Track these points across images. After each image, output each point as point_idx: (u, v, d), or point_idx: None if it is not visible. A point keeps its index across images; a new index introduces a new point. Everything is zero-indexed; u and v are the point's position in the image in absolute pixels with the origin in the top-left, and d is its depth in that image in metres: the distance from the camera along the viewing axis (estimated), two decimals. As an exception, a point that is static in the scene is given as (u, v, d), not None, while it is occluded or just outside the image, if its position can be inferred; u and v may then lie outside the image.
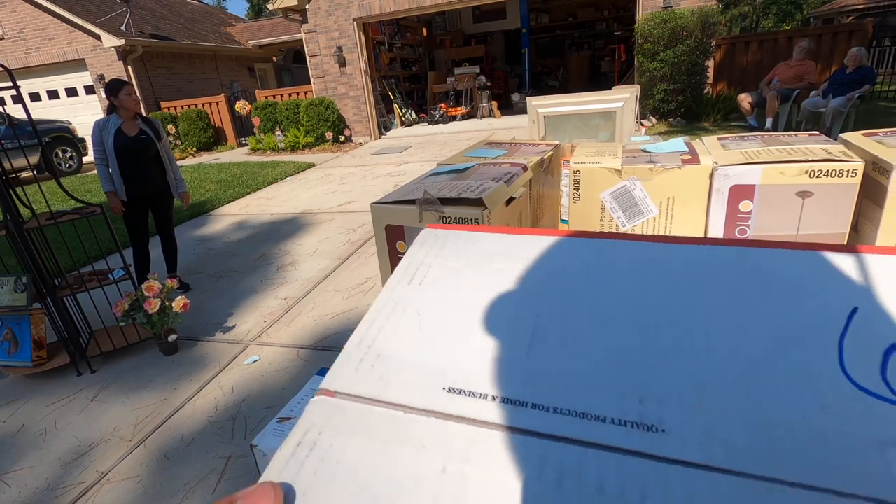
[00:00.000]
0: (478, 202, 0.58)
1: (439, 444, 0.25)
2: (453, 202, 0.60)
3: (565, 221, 1.25)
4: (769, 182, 0.61)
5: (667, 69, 6.42)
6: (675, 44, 6.33)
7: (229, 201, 5.64)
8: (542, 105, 2.01)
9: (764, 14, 24.00)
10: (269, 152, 8.91)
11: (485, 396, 0.27)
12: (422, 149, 7.60)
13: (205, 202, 5.56)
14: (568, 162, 1.23)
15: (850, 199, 0.59)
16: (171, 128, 9.49)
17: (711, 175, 0.65)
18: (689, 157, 0.68)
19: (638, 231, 0.73)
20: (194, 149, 9.80)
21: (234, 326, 2.72)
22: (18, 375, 2.41)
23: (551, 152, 0.85)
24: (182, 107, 10.06)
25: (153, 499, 1.64)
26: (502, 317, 0.32)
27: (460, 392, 0.27)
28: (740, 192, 0.64)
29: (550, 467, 0.23)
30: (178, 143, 9.62)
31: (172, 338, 2.44)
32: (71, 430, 2.02)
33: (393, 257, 0.66)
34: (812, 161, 0.60)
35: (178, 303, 2.37)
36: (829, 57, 7.02)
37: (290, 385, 2.14)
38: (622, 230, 0.73)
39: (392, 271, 0.73)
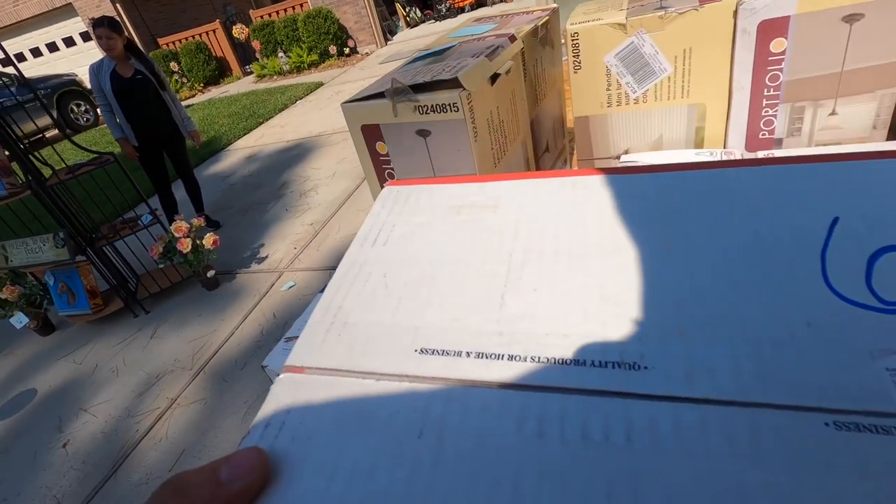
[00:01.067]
0: (454, 83, 0.50)
1: (414, 409, 0.24)
2: (427, 87, 0.52)
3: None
4: (807, 9, 0.50)
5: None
6: None
7: (244, 134, 5.57)
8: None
9: None
10: (275, 77, 8.59)
11: (458, 354, 0.26)
12: (431, 50, 7.11)
13: (220, 138, 5.51)
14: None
15: (906, 15, 0.48)
16: (173, 65, 9.21)
17: (735, 12, 0.54)
18: (707, -6, 0.57)
19: (651, 95, 0.64)
20: (202, 84, 9.54)
21: (266, 256, 2.80)
22: (82, 323, 2.61)
23: (547, 18, 0.73)
24: (180, 41, 9.65)
25: (220, 416, 1.80)
26: (472, 268, 0.31)
27: (433, 352, 0.26)
28: (771, 28, 0.53)
29: (530, 419, 0.22)
30: (185, 80, 9.38)
31: (211, 273, 2.54)
32: (138, 366, 2.21)
33: (375, 161, 0.61)
34: (862, -28, 0.48)
35: (209, 239, 2.43)
36: None
37: (327, 305, 2.22)
38: (633, 97, 0.65)
39: (376, 175, 0.68)
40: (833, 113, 0.56)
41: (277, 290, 2.45)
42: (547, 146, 0.86)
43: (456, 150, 0.55)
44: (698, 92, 0.61)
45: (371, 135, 0.59)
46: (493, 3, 9.24)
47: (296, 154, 4.37)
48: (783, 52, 0.54)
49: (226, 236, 3.00)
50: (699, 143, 0.65)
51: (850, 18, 0.50)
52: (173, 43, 9.73)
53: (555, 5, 0.80)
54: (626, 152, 0.68)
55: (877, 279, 0.23)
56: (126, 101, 2.69)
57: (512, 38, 0.62)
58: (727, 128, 0.62)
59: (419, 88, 0.53)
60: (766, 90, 0.57)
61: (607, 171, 0.34)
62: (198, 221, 2.50)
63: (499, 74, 0.60)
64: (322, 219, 3.04)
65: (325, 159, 4.02)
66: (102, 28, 2.55)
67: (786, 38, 0.53)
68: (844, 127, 0.57)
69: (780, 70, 0.55)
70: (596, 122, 0.68)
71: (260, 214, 3.37)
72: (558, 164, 0.77)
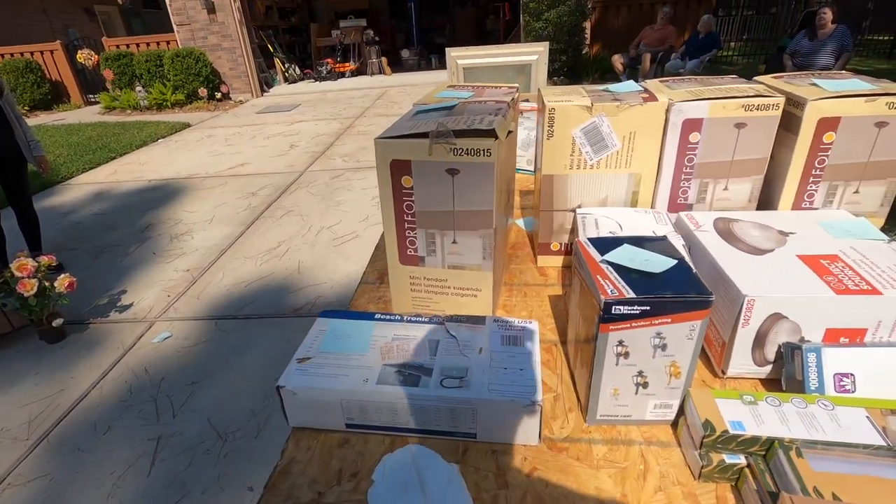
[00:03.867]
0: (490, 133, 0.61)
1: None
2: (464, 134, 0.62)
3: (520, 170, 1.32)
4: (714, 115, 0.73)
5: (550, 29, 6.74)
6: (558, 4, 6.64)
7: (89, 168, 4.88)
8: (461, 56, 2.03)
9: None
10: (129, 111, 7.76)
11: None
12: (313, 107, 7.18)
13: (56, 170, 4.74)
14: (530, 106, 1.29)
15: (772, 128, 0.73)
16: (-9, 81, 7.78)
17: (668, 110, 0.75)
18: (647, 95, 0.78)
19: (603, 163, 0.81)
20: (27, 108, 8.17)
21: (131, 304, 2.44)
22: None
23: (516, 95, 0.89)
24: (2, 55, 8.25)
25: (75, 493, 1.47)
26: None
27: None
28: (691, 126, 0.75)
29: None
30: (4, 100, 7.93)
31: (58, 322, 2.13)
32: (-60, 440, 1.71)
33: (396, 192, 0.68)
34: (747, 97, 0.72)
35: (63, 282, 2.06)
36: (684, 23, 7.88)
37: (215, 356, 2.01)
38: (589, 164, 0.81)
39: (393, 204, 0.73)
40: (725, 189, 0.80)
41: (147, 342, 2.14)
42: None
43: (479, 189, 0.64)
44: (637, 164, 0.80)
45: (399, 169, 0.66)
46: (373, 74, 9.77)
47: (162, 195, 3.96)
48: (697, 143, 0.76)
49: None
50: (634, 203, 0.84)
51: (739, 125, 0.73)
52: (-6, 56, 8.28)
53: (517, 84, 0.97)
54: (580, 206, 0.85)
55: None
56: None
57: (509, 105, 0.76)
58: (655, 193, 0.83)
59: (456, 134, 0.62)
60: (684, 168, 0.79)
61: None
62: (47, 259, 2.11)
63: (511, 131, 0.72)
64: (201, 265, 2.78)
65: (200, 203, 3.72)
66: None
67: (700, 132, 0.75)
68: (732, 199, 0.80)
69: (695, 154, 0.77)
70: (559, 181, 0.83)
71: (118, 257, 2.95)
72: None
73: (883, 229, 0.71)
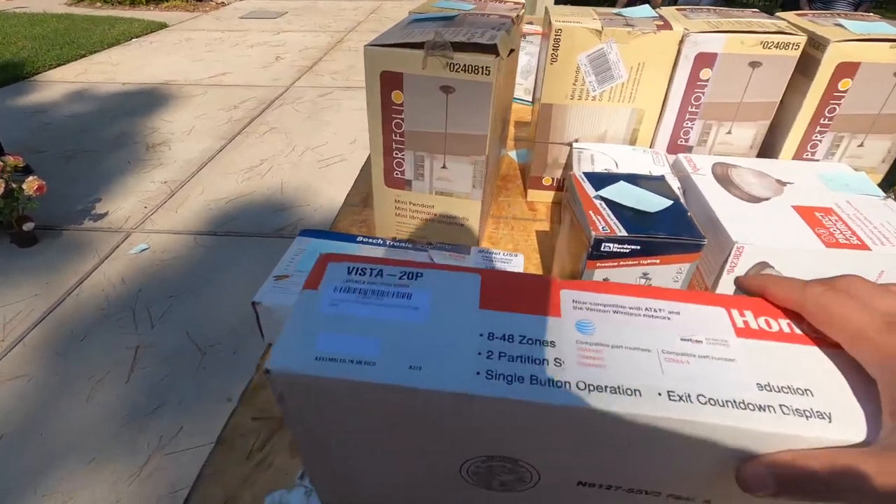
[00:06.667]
0: (491, 48, 0.56)
1: None
2: (463, 47, 0.57)
3: (517, 99, 1.25)
4: (729, 51, 0.68)
5: (562, -51, 6.25)
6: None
7: (58, 64, 4.54)
8: (464, -31, 1.87)
9: None
10: (99, 4, 7.13)
11: None
12: (300, 16, 6.69)
13: (22, 63, 4.41)
14: (534, 30, 1.20)
15: (788, 70, 0.69)
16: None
17: (681, 41, 0.70)
18: (661, 23, 0.72)
19: (606, 96, 0.77)
20: (-16, -10, 7.43)
21: (106, 213, 2.37)
22: None
23: (521, 11, 0.82)
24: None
25: (53, 394, 1.50)
26: None
27: None
28: (703, 60, 0.70)
29: None
30: (-43, -21, 7.19)
31: (28, 226, 2.06)
32: (-87, 336, 1.70)
33: (385, 108, 0.63)
34: (767, 33, 0.67)
35: (32, 184, 1.97)
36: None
37: (194, 272, 1.99)
38: (591, 94, 0.77)
39: (381, 121, 0.69)
40: (729, 132, 0.77)
41: (124, 252, 2.10)
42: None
43: (475, 111, 0.60)
44: (641, 100, 0.76)
45: (389, 82, 0.61)
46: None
47: (137, 101, 3.73)
48: (707, 80, 0.72)
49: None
50: (633, 141, 0.81)
51: (754, 64, 0.69)
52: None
53: (523, 0, 0.89)
54: (577, 141, 0.81)
55: None
56: None
57: (514, 21, 0.70)
58: (656, 132, 0.79)
59: (454, 47, 0.57)
60: (689, 107, 0.75)
61: None
62: (13, 160, 2.01)
63: (513, 50, 0.67)
64: (179, 178, 2.68)
65: (179, 112, 3.53)
66: None
67: (711, 69, 0.70)
68: (734, 144, 0.78)
69: (703, 93, 0.73)
70: (558, 111, 0.79)
71: (91, 164, 2.82)
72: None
73: (880, 185, 0.70)
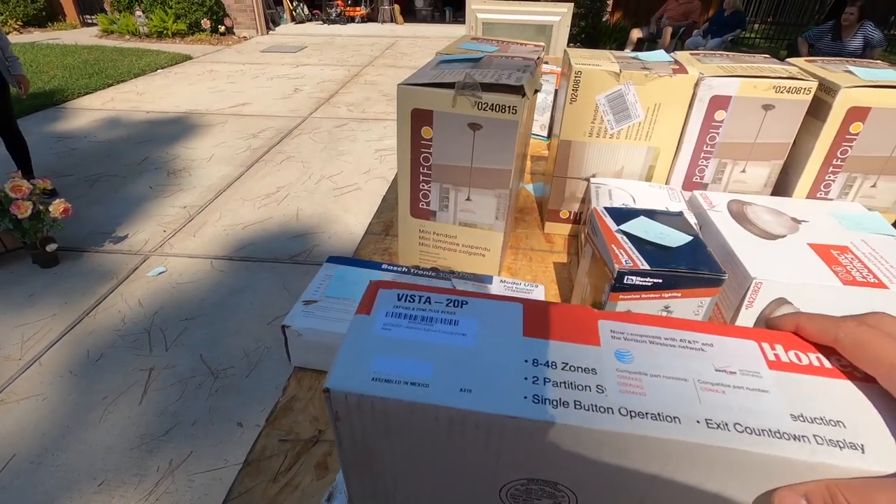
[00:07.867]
0: (518, 90, 0.59)
1: None
2: (491, 88, 0.61)
3: (533, 135, 1.29)
4: (743, 94, 0.71)
5: (572, -9, 6.48)
6: (583, -36, 6.37)
7: (86, 92, 4.73)
8: (482, 10, 1.95)
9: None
10: (128, 37, 7.46)
11: None
12: (319, 50, 6.94)
13: (52, 92, 4.60)
14: (550, 69, 1.25)
15: (800, 113, 0.72)
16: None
17: (697, 84, 0.73)
18: (678, 66, 0.75)
19: (623, 134, 0.79)
20: (19, 22, 7.82)
21: (126, 236, 2.43)
22: None
23: (541, 54, 0.86)
24: (-4, -37, 7.81)
25: (66, 414, 1.51)
26: None
27: None
28: (718, 102, 0.73)
29: None
30: (-3, 12, 7.59)
31: (52, 247, 2.11)
32: (-67, 353, 1.73)
33: (416, 144, 0.66)
34: (779, 78, 0.70)
35: (58, 207, 2.03)
36: (709, -2, 7.60)
37: (210, 295, 2.02)
38: (609, 133, 0.80)
39: (410, 154, 0.72)
40: (743, 171, 0.79)
41: (142, 274, 2.15)
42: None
43: (501, 147, 0.63)
44: (657, 138, 0.79)
45: (419, 118, 0.64)
46: (384, 22, 9.41)
47: (160, 129, 3.86)
48: (722, 121, 0.74)
49: (68, 207, 2.52)
50: (649, 178, 0.83)
51: (767, 107, 0.72)
52: (-14, -36, 7.85)
53: (542, 43, 0.94)
54: (594, 176, 0.84)
55: None
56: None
57: (537, 63, 0.73)
58: (671, 170, 0.82)
59: (483, 87, 0.60)
60: (705, 146, 0.77)
61: None
62: (43, 183, 2.08)
63: (537, 90, 0.70)
64: (198, 203, 2.74)
65: (200, 140, 3.64)
66: None
67: (726, 111, 0.73)
68: (748, 182, 0.80)
69: (718, 133, 0.76)
70: (576, 148, 0.82)
71: (114, 188, 2.90)
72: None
73: (894, 225, 0.71)
